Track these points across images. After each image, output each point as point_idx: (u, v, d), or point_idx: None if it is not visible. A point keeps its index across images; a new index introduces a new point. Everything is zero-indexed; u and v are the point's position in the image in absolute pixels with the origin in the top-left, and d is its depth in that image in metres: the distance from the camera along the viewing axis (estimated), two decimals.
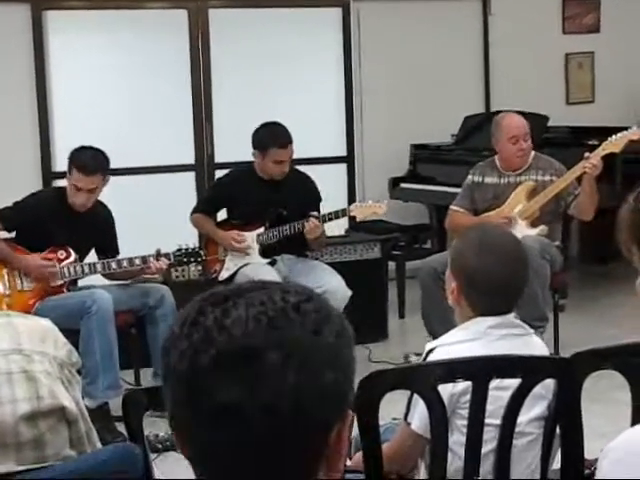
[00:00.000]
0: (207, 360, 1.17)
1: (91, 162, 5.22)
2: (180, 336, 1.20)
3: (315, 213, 5.73)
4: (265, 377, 1.15)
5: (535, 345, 2.84)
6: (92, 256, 5.50)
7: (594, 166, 5.54)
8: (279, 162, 5.71)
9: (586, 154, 5.65)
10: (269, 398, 1.15)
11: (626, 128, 5.84)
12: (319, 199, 5.94)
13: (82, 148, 5.30)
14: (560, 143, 7.24)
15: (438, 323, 5.47)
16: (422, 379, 2.57)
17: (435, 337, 2.92)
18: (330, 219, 5.76)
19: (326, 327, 1.20)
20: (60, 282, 5.24)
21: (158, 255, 5.34)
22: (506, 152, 5.89)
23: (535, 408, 2.70)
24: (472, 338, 2.73)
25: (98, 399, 4.91)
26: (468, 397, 2.62)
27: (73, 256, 5.28)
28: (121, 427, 4.66)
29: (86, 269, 5.30)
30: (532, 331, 2.88)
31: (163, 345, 1.23)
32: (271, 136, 5.73)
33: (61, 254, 5.26)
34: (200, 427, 1.19)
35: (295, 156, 5.94)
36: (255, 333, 1.17)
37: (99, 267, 5.33)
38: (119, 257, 5.40)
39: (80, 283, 5.49)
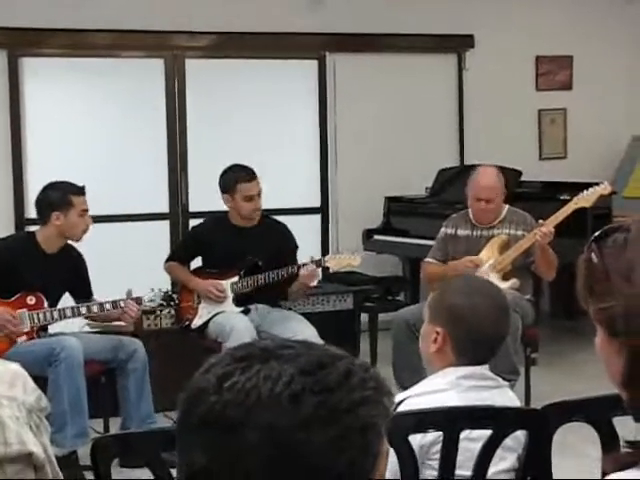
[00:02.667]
0: (192, 418, 1.18)
1: (78, 185, 5.33)
2: (194, 378, 1.21)
3: (314, 257, 5.74)
4: (235, 454, 1.14)
5: (507, 397, 2.84)
6: (68, 299, 5.47)
7: (544, 234, 5.62)
8: (249, 198, 5.73)
9: (540, 221, 5.73)
10: (237, 474, 1.15)
11: (597, 184, 5.92)
12: (296, 247, 5.95)
13: (51, 185, 5.36)
14: (533, 197, 7.29)
15: (409, 375, 5.47)
16: (393, 429, 2.56)
17: (404, 389, 2.91)
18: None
19: (319, 427, 1.14)
20: (27, 329, 5.19)
21: (129, 297, 5.33)
22: (471, 207, 6.00)
23: (505, 460, 2.70)
24: (442, 389, 2.73)
25: (66, 447, 4.86)
26: (438, 447, 2.61)
27: (45, 302, 5.24)
28: (90, 476, 4.61)
29: (55, 315, 5.25)
30: (505, 383, 2.88)
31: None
32: (234, 174, 5.80)
33: (30, 300, 5.21)
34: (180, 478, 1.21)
35: (270, 206, 5.96)
36: (241, 406, 1.15)
37: (68, 312, 5.29)
38: (89, 302, 5.37)
39: (51, 329, 5.45)
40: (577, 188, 6.14)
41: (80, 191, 5.33)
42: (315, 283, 5.78)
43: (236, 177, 5.77)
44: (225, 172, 5.87)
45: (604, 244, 1.52)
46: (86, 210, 5.33)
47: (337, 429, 1.15)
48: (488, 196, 5.88)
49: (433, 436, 2.60)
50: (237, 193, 5.75)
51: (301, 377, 1.16)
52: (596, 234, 1.55)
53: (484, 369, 2.79)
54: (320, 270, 5.72)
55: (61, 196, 5.28)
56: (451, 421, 2.59)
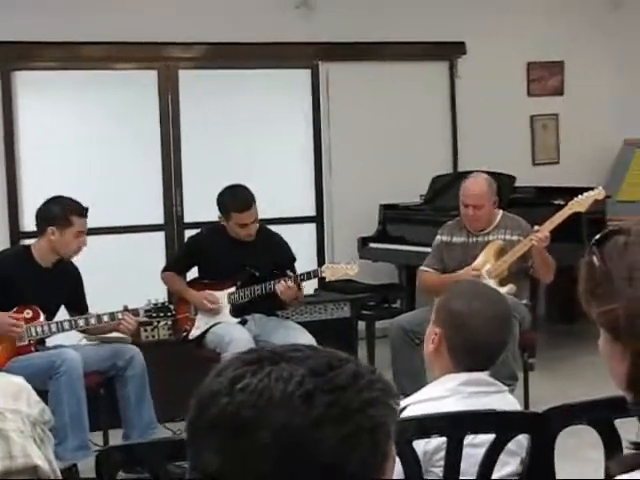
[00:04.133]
0: (204, 420, 1.19)
1: (83, 205, 5.30)
2: (205, 382, 1.22)
3: (289, 273, 5.73)
4: (248, 455, 1.15)
5: (507, 402, 2.85)
6: (63, 312, 5.46)
7: (541, 240, 5.66)
8: (243, 225, 5.72)
9: (535, 227, 5.76)
10: (250, 474, 1.15)
11: (591, 188, 5.96)
12: (293, 259, 5.93)
13: (55, 199, 5.32)
14: (527, 203, 7.31)
15: (408, 381, 5.48)
16: (397, 435, 2.56)
17: (405, 396, 2.91)
18: (302, 280, 5.75)
19: (331, 425, 1.15)
20: (25, 342, 5.18)
21: (126, 311, 5.32)
22: (462, 214, 6.04)
23: (509, 465, 2.70)
24: (443, 396, 2.73)
25: (67, 460, 4.84)
26: (442, 455, 2.61)
27: (41, 316, 5.23)
28: None
29: (53, 328, 5.25)
30: (505, 388, 2.88)
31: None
32: (231, 201, 5.73)
33: (27, 313, 5.20)
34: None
35: (265, 216, 5.95)
36: (254, 406, 1.16)
37: (67, 325, 5.28)
38: (87, 315, 5.36)
39: (49, 342, 5.44)
40: (570, 193, 6.18)
41: (83, 213, 5.28)
42: (291, 296, 5.71)
43: (231, 206, 5.71)
44: (222, 194, 5.80)
45: (605, 247, 1.54)
46: (83, 232, 5.29)
47: (348, 428, 1.16)
48: (476, 202, 5.91)
49: (437, 442, 2.61)
50: (231, 219, 5.73)
51: (312, 377, 1.18)
52: (597, 237, 1.56)
53: (484, 374, 2.80)
54: (292, 283, 5.65)
55: (62, 213, 5.24)
56: (455, 426, 2.59)
